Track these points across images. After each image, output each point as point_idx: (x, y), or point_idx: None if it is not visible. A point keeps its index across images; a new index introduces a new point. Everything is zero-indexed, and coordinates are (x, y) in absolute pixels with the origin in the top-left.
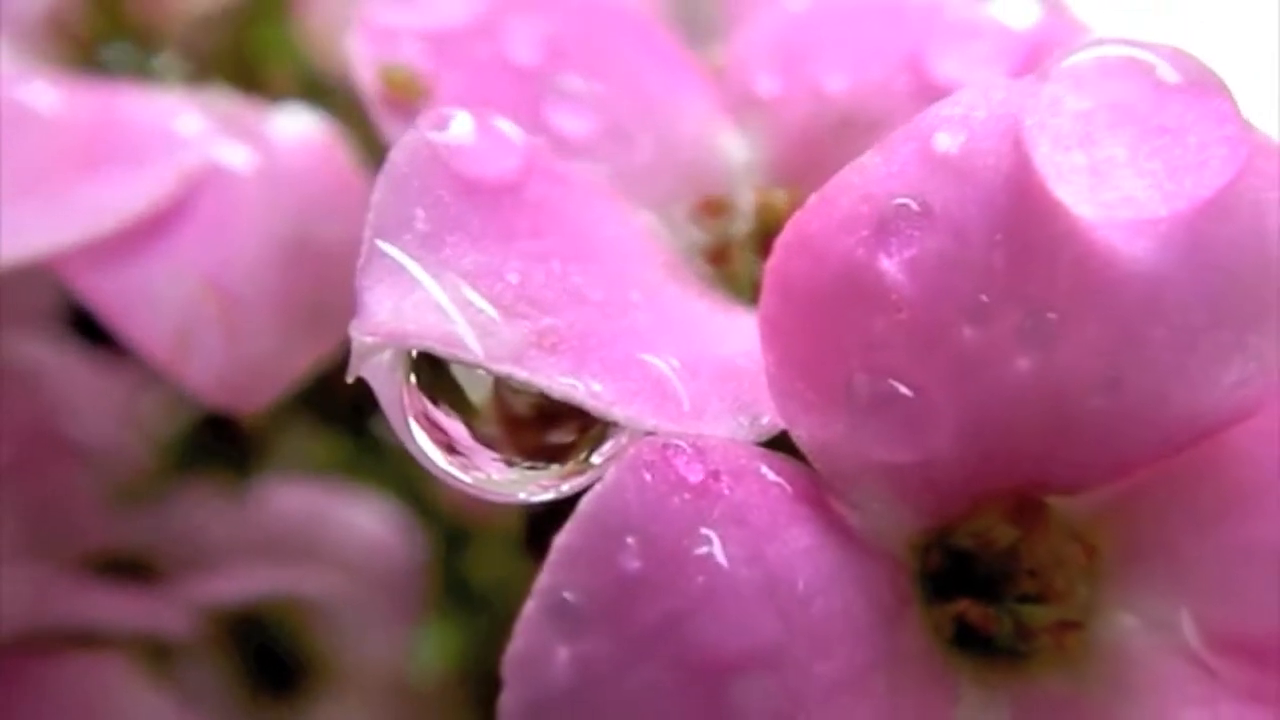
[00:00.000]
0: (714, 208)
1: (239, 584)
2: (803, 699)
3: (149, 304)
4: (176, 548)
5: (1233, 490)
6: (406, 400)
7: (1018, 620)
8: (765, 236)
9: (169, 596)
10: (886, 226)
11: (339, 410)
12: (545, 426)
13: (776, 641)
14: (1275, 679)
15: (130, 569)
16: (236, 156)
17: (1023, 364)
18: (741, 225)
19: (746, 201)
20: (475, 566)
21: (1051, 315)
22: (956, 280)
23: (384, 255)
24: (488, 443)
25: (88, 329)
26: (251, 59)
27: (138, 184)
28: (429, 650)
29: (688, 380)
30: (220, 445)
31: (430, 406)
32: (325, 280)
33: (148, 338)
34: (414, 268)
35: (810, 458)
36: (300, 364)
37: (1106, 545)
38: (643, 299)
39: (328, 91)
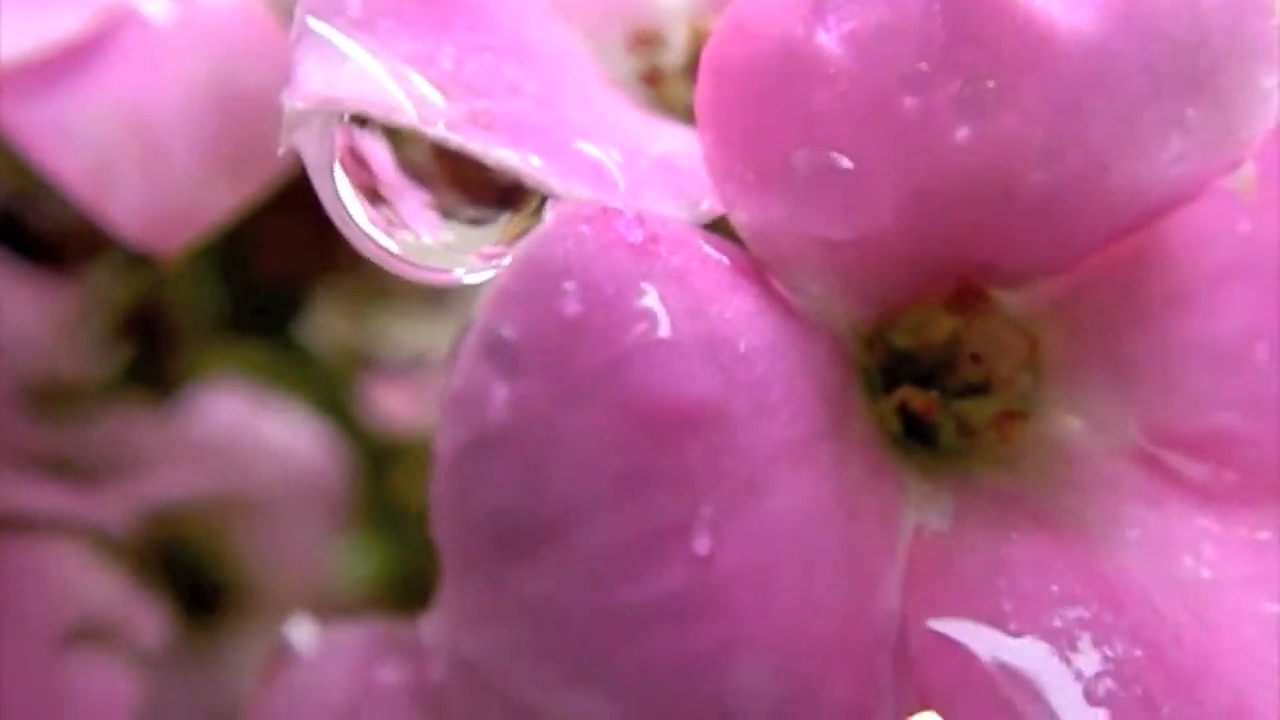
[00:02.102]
0: (646, 38)
1: (166, 484)
2: (747, 456)
3: (69, 138)
4: (103, 457)
5: (1172, 287)
6: (334, 141)
7: (960, 417)
8: (698, 65)
9: (102, 494)
10: (824, 3)
11: (264, 321)
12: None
13: (719, 397)
14: (1217, 474)
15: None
16: (156, 2)
17: (962, 134)
18: (673, 58)
19: (679, 36)
20: (401, 484)
21: (991, 83)
22: (895, 50)
23: (315, 32)
24: (420, 177)
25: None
26: None
27: (51, 16)
28: (354, 566)
29: (625, 169)
30: (146, 357)
31: (356, 134)
32: (246, 126)
33: (68, 171)
34: (347, 44)
35: (749, 242)
36: (221, 206)
37: (1049, 342)
38: (578, 99)
39: None
